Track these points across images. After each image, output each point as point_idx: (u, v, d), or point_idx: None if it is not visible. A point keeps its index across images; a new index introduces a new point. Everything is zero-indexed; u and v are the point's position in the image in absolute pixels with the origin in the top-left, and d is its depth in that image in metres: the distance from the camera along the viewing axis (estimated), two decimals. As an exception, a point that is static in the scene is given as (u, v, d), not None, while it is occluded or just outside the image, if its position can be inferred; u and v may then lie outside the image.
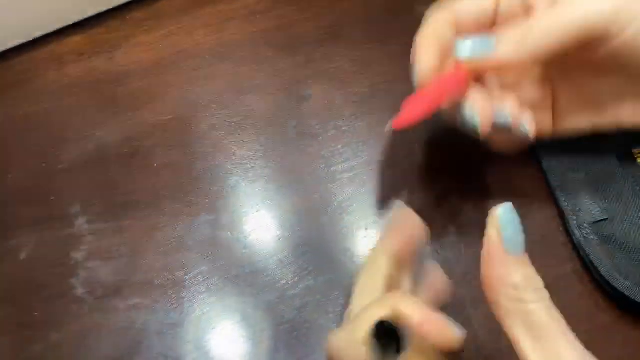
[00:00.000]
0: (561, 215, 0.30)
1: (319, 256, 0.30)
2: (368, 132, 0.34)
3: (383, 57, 0.37)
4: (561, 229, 0.30)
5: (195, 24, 0.38)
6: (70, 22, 0.37)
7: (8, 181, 0.32)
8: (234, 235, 0.30)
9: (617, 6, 0.23)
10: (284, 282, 0.29)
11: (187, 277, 0.29)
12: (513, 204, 0.20)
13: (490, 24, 0.27)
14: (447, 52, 0.27)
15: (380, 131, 0.34)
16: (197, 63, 0.36)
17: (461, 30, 0.27)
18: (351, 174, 0.32)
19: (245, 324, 0.28)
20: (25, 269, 0.29)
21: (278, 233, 0.30)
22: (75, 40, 0.37)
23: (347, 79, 0.36)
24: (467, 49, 0.25)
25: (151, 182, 0.32)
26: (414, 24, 0.37)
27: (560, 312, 0.19)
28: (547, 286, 0.20)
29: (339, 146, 0.33)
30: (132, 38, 0.37)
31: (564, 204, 0.29)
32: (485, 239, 0.21)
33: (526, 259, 0.20)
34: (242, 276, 0.29)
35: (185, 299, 0.28)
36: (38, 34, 0.37)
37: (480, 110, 0.25)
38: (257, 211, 0.31)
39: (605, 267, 0.27)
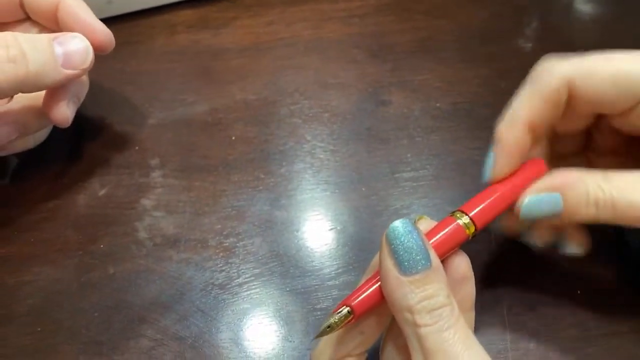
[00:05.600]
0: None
1: (365, 256, 0.30)
2: (441, 146, 0.34)
3: (471, 78, 0.37)
4: None
5: (297, 17, 0.40)
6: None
7: (105, 126, 0.36)
8: (290, 217, 0.31)
9: None
10: (326, 271, 0.29)
11: (238, 245, 0.30)
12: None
13: None
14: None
15: (453, 149, 0.33)
16: (290, 53, 0.38)
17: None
18: (414, 184, 0.32)
19: (281, 301, 0.28)
20: (100, 204, 0.32)
21: (331, 224, 0.31)
22: (189, 13, 0.41)
23: (431, 93, 0.36)
24: (535, 208, 0.23)
25: (226, 152, 0.34)
26: (508, 53, 0.38)
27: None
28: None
29: (408, 155, 0.33)
30: (238, 20, 0.40)
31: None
32: (379, 264, 0.20)
33: (427, 275, 0.19)
34: (288, 256, 0.30)
35: (233, 264, 0.30)
36: (157, 3, 0.41)
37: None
38: (315, 199, 0.32)
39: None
